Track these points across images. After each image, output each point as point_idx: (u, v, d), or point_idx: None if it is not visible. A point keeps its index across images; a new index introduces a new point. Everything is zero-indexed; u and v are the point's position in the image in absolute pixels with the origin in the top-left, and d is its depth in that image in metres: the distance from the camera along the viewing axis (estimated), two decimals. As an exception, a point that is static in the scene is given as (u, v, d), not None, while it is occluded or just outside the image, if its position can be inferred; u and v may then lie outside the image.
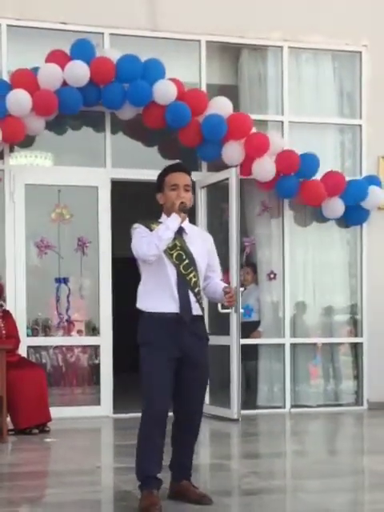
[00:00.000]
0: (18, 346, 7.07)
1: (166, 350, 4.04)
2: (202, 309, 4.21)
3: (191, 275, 4.13)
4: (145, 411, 4.07)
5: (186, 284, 4.11)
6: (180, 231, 4.16)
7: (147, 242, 4.03)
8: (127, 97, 7.51)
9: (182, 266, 4.12)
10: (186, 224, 4.23)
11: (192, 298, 4.12)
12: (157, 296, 4.10)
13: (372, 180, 8.27)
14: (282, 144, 8.05)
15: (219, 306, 6.91)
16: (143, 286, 4.20)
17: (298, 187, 7.97)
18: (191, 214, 7.98)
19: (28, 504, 4.33)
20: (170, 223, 4.07)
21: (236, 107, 8.22)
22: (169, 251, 4.11)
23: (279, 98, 8.47)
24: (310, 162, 7.92)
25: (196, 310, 4.14)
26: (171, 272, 4.11)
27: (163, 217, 4.19)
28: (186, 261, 4.13)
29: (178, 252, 4.13)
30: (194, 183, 4.29)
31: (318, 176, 8.05)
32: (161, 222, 4.13)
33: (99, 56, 7.46)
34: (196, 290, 4.14)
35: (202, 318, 4.22)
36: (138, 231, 4.11)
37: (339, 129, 8.74)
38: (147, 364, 4.08)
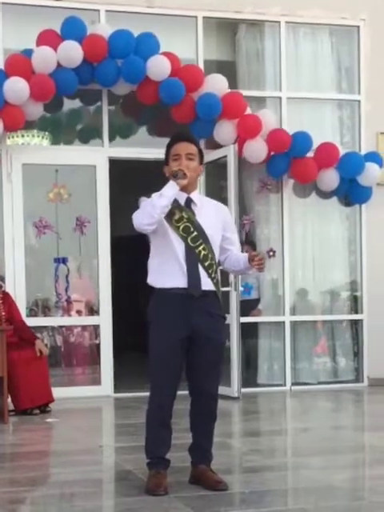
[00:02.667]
0: (26, 330, 7.04)
1: (174, 329, 3.91)
2: (217, 285, 4.04)
3: (200, 248, 3.96)
4: (151, 395, 4.01)
5: (194, 257, 3.95)
6: (188, 203, 4.04)
7: (143, 211, 3.92)
8: (121, 73, 7.45)
9: (189, 239, 3.96)
10: (196, 195, 4.10)
11: (202, 272, 3.96)
12: (165, 270, 3.97)
13: (372, 156, 8.22)
14: (275, 123, 8.00)
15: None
16: (152, 260, 4.07)
17: (289, 165, 7.93)
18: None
19: (30, 483, 4.32)
20: (164, 190, 3.92)
21: (233, 83, 8.18)
22: (175, 223, 3.97)
23: (277, 74, 8.42)
24: (302, 140, 7.88)
25: (206, 284, 3.97)
26: (178, 245, 3.96)
27: None
28: (194, 233, 3.97)
29: (185, 224, 3.98)
30: (201, 153, 4.10)
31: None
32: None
33: (91, 33, 7.38)
34: (206, 264, 3.97)
35: (214, 293, 4.02)
36: (143, 205, 3.98)
37: (337, 104, 8.68)
38: (153, 344, 3.98)
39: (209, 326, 3.98)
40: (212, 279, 4.01)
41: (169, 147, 4.09)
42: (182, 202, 4.04)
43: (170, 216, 3.98)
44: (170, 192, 3.92)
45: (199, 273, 3.97)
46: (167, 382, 3.95)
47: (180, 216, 4.00)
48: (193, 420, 4.12)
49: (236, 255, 4.15)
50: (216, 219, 4.09)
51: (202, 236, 4.00)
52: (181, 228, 3.98)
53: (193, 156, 4.03)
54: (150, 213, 3.89)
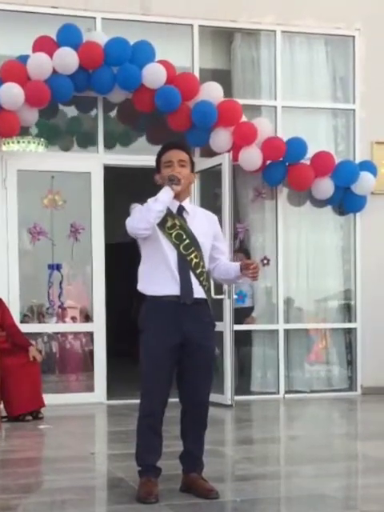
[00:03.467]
0: (19, 336, 7.03)
1: (165, 337, 3.91)
2: (208, 292, 4.06)
3: (192, 256, 3.97)
4: (141, 402, 4.01)
5: (186, 265, 3.96)
6: (180, 210, 4.05)
7: (138, 216, 3.92)
8: (117, 81, 7.46)
9: (181, 246, 3.97)
10: (188, 203, 4.11)
11: (194, 280, 3.97)
12: (156, 278, 3.97)
13: (366, 165, 8.25)
14: (270, 131, 8.02)
15: (212, 291, 6.88)
16: (143, 268, 4.06)
17: (285, 172, 7.95)
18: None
19: (22, 490, 4.31)
20: (159, 195, 3.92)
21: (229, 92, 8.21)
22: (167, 231, 3.98)
23: (272, 83, 8.44)
24: (297, 146, 7.90)
25: (198, 292, 3.98)
26: (170, 252, 3.96)
27: None
28: (187, 241, 3.98)
29: (178, 231, 3.99)
30: (192, 161, 4.12)
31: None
32: None
33: (87, 41, 7.40)
34: (198, 272, 3.98)
35: (205, 301, 4.05)
36: (135, 210, 3.99)
37: (332, 113, 8.71)
38: (145, 351, 3.98)
39: (200, 333, 3.98)
40: (203, 287, 4.02)
41: (160, 155, 4.09)
42: (174, 209, 4.05)
43: (162, 223, 3.98)
44: (165, 197, 3.93)
45: (191, 280, 3.97)
46: (158, 390, 3.95)
47: (172, 223, 4.00)
48: (183, 428, 4.11)
49: (225, 264, 4.16)
50: (207, 228, 4.11)
51: (194, 244, 4.00)
52: (173, 235, 3.99)
53: (185, 163, 4.04)
54: (145, 217, 3.89)
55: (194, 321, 3.96)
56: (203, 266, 4.03)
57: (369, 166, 8.25)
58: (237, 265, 4.10)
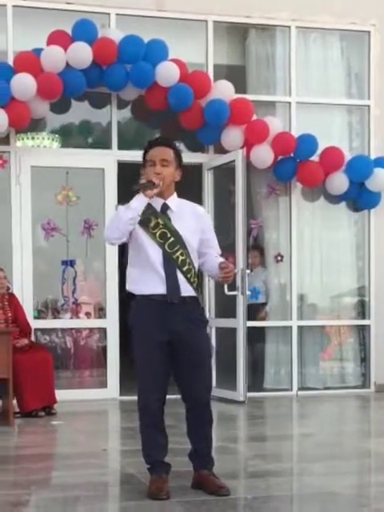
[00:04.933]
0: (31, 333, 7.07)
1: (154, 334, 3.90)
2: (197, 290, 4.02)
3: (178, 253, 3.94)
4: (137, 398, 4.02)
5: (172, 263, 3.93)
6: (164, 209, 4.00)
7: (110, 224, 3.90)
8: (130, 78, 7.47)
9: (166, 245, 3.93)
10: (173, 200, 4.03)
11: (181, 278, 3.94)
12: (143, 277, 3.94)
13: (382, 162, 8.19)
14: (281, 129, 7.99)
15: (226, 287, 6.89)
16: (130, 268, 4.04)
17: (296, 169, 7.94)
18: (198, 195, 7.93)
19: (33, 486, 4.32)
20: (131, 203, 3.87)
21: (243, 88, 8.20)
22: (151, 230, 3.94)
23: (287, 79, 8.41)
24: (307, 142, 7.88)
25: (186, 290, 3.95)
26: (155, 252, 3.93)
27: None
28: (171, 239, 3.94)
29: (162, 230, 3.95)
30: (179, 157, 4.02)
31: (323, 157, 8.02)
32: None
33: (102, 37, 7.41)
34: (184, 269, 3.94)
35: (195, 299, 4.01)
36: (115, 213, 3.97)
37: (347, 109, 8.66)
38: (136, 350, 3.97)
39: (189, 331, 3.95)
40: (191, 284, 3.98)
41: (145, 152, 4.04)
42: (158, 208, 4.01)
43: (146, 223, 3.95)
44: (137, 204, 3.88)
45: (178, 279, 3.94)
46: (151, 386, 3.94)
47: (155, 222, 3.96)
48: (189, 426, 4.10)
49: (213, 259, 4.09)
50: (194, 223, 4.05)
51: (179, 241, 3.97)
52: (157, 234, 3.96)
53: (167, 162, 3.96)
54: (116, 226, 3.87)
55: (182, 319, 3.93)
56: (190, 263, 3.99)
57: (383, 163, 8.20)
58: (218, 262, 4.04)
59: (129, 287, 4.04)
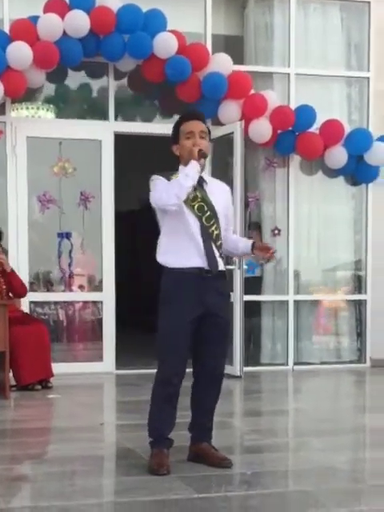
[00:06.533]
0: (25, 293, 7.03)
1: (188, 310, 3.90)
2: (224, 264, 4.08)
3: (213, 228, 3.98)
4: (157, 373, 4.00)
5: (209, 236, 3.96)
6: (200, 182, 4.03)
7: (166, 191, 3.89)
8: (127, 48, 7.36)
9: (204, 218, 3.97)
10: (206, 175, 4.10)
11: (216, 252, 3.99)
12: (180, 250, 3.95)
13: (381, 137, 8.14)
14: (278, 102, 7.91)
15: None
16: (164, 240, 4.03)
17: (295, 141, 7.87)
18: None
19: (31, 460, 4.32)
20: (189, 171, 3.91)
21: (241, 59, 8.10)
22: (190, 203, 3.97)
23: (286, 50, 8.31)
24: (306, 114, 7.81)
25: (220, 264, 4.00)
26: (194, 224, 3.96)
27: (181, 168, 4.02)
28: (208, 213, 3.98)
29: (200, 203, 3.99)
30: (209, 131, 4.12)
31: (321, 128, 7.96)
32: None
33: (99, 5, 7.27)
34: (218, 244, 4.00)
35: (224, 273, 4.07)
36: (157, 182, 3.96)
37: (346, 81, 8.57)
38: (165, 324, 3.95)
39: (219, 305, 4.00)
40: (222, 258, 4.04)
41: (179, 124, 4.06)
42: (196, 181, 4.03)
43: None
44: (195, 172, 3.93)
45: (214, 252, 3.98)
46: (177, 360, 3.93)
47: (194, 195, 3.99)
48: (196, 398, 4.11)
49: (235, 238, 4.20)
50: (223, 199, 4.12)
51: (214, 215, 4.01)
52: (196, 207, 3.99)
53: (204, 134, 4.03)
54: (176, 194, 3.88)
55: (215, 293, 3.97)
56: (221, 238, 4.05)
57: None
58: (247, 241, 4.12)
59: (162, 260, 4.02)
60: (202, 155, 3.94)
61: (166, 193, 3.89)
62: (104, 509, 3.45)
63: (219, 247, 4.01)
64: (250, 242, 4.14)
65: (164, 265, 4.01)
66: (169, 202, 3.88)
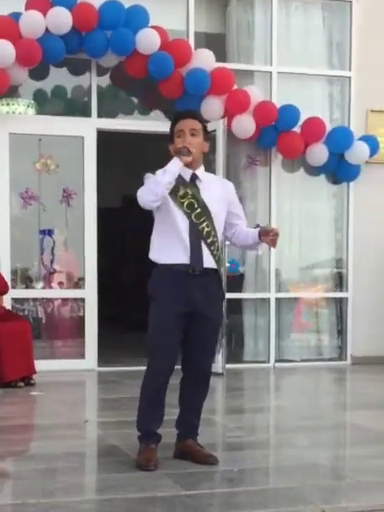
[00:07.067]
0: (7, 290, 6.99)
1: (174, 305, 3.90)
2: (218, 262, 4.04)
3: (203, 225, 3.96)
4: (147, 367, 4.01)
5: (198, 234, 3.95)
6: (193, 179, 4.03)
7: (147, 188, 3.90)
8: (110, 45, 7.34)
9: (193, 215, 3.95)
10: (201, 171, 4.08)
11: (205, 249, 3.96)
12: (167, 246, 3.96)
13: (367, 139, 8.19)
14: (261, 97, 7.93)
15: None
16: (155, 236, 4.05)
17: (277, 138, 7.91)
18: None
19: (15, 457, 4.31)
20: (168, 166, 3.90)
21: (223, 56, 8.12)
22: (179, 200, 3.96)
23: (268, 48, 8.34)
24: (289, 113, 7.85)
25: (209, 262, 3.97)
26: (182, 221, 3.95)
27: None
28: (199, 210, 3.96)
29: (190, 200, 3.97)
30: (206, 129, 4.09)
31: (303, 128, 7.99)
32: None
33: (81, 2, 7.25)
34: (209, 241, 3.97)
35: (216, 271, 4.05)
36: (146, 181, 3.96)
37: (328, 80, 8.62)
38: (154, 319, 3.97)
39: (207, 304, 3.98)
40: (214, 257, 4.01)
41: (173, 124, 4.07)
42: (187, 178, 4.03)
43: (174, 192, 3.96)
44: (174, 168, 3.91)
45: (202, 249, 3.97)
46: (166, 357, 3.93)
47: (184, 192, 3.98)
48: (183, 395, 4.12)
49: (245, 231, 4.15)
50: (221, 196, 4.09)
51: (206, 213, 3.99)
52: (185, 204, 3.98)
53: (196, 132, 4.01)
54: (153, 190, 3.87)
55: (201, 291, 3.95)
56: (215, 235, 4.02)
57: (368, 140, 8.17)
58: (254, 231, 4.08)
59: (153, 256, 4.04)
60: (179, 151, 3.91)
61: (145, 190, 3.90)
62: (91, 506, 3.43)
63: (210, 245, 3.98)
64: (257, 230, 4.08)
65: (154, 261, 4.03)
66: (147, 199, 3.89)
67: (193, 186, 4.02)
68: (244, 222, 4.20)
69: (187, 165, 3.96)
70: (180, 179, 3.97)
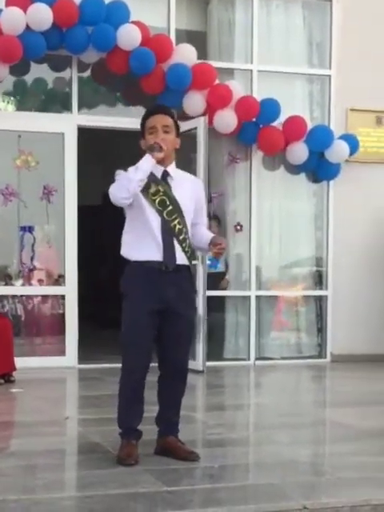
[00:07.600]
0: None
1: (147, 302, 3.90)
2: (190, 259, 4.03)
3: (175, 222, 3.95)
4: (122, 364, 4.00)
5: (170, 231, 3.94)
6: (164, 176, 4.01)
7: (119, 185, 3.89)
8: (91, 41, 7.33)
9: (165, 213, 3.95)
10: (172, 168, 4.06)
11: (177, 246, 3.96)
12: (140, 243, 3.95)
13: (346, 138, 8.23)
14: (242, 92, 7.96)
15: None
16: (126, 233, 4.04)
17: (258, 134, 7.93)
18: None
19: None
20: (140, 163, 3.88)
21: (204, 54, 8.12)
22: (151, 197, 3.95)
23: (248, 46, 8.36)
24: (270, 107, 7.88)
25: (181, 259, 3.97)
26: (154, 218, 3.94)
27: None
28: (170, 207, 3.95)
29: (161, 198, 3.96)
30: (177, 125, 4.07)
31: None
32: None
33: (61, -3, 7.24)
34: (181, 238, 3.97)
35: (188, 268, 4.04)
36: (118, 178, 3.96)
37: (308, 79, 8.66)
38: (126, 316, 3.97)
39: (180, 301, 3.98)
40: (185, 253, 4.01)
41: (144, 120, 4.04)
42: (159, 175, 4.01)
43: (146, 189, 3.94)
44: (146, 165, 3.89)
45: (174, 246, 3.96)
46: (139, 354, 3.94)
47: (156, 189, 3.96)
48: (161, 392, 4.12)
49: (201, 232, 4.16)
50: (191, 193, 4.08)
51: (177, 210, 3.98)
52: (157, 201, 3.96)
53: (169, 128, 4.00)
54: (125, 186, 3.86)
55: (174, 288, 3.95)
56: (186, 233, 4.02)
57: (348, 139, 8.21)
58: (208, 237, 4.10)
59: (124, 252, 4.03)
60: (152, 148, 3.89)
61: (117, 187, 3.89)
62: (73, 502, 3.43)
63: (182, 242, 3.98)
64: (210, 237, 4.10)
65: (126, 258, 4.02)
66: (119, 196, 3.87)
67: (164, 184, 4.00)
68: (203, 222, 4.21)
69: (159, 162, 3.94)
70: (151, 176, 3.95)
